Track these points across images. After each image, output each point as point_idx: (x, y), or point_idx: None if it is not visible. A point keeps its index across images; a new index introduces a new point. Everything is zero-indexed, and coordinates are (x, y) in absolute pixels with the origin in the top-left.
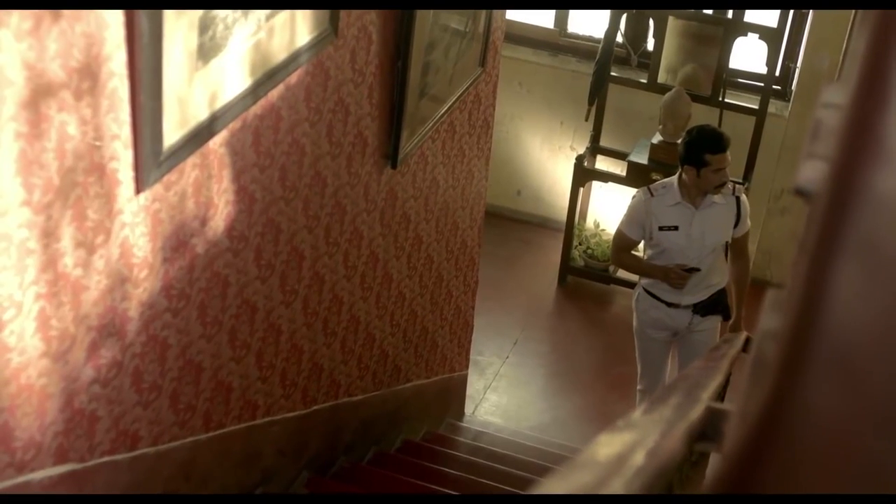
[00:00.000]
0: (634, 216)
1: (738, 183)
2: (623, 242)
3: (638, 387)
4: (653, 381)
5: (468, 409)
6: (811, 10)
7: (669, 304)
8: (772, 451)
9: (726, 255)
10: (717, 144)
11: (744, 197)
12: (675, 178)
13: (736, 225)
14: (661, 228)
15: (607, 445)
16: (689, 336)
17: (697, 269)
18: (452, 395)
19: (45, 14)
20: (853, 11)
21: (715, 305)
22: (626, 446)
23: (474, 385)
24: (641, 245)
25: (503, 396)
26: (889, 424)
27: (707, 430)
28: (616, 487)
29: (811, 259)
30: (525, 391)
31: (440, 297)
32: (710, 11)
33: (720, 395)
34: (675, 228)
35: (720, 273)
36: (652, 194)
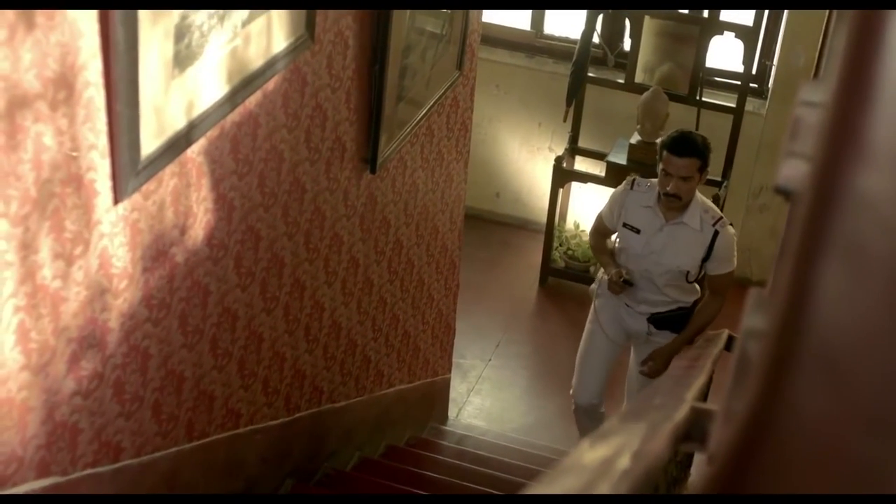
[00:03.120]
0: (612, 203)
1: (724, 217)
2: (598, 225)
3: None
4: (585, 388)
5: (452, 412)
6: (786, 10)
7: (627, 305)
8: (759, 453)
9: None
10: (674, 143)
11: (727, 234)
12: None
13: (707, 258)
14: (625, 225)
15: (593, 449)
16: (641, 346)
17: (631, 284)
18: (436, 399)
19: (19, 24)
20: (828, 9)
21: (671, 321)
22: (611, 449)
23: (457, 388)
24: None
25: (486, 399)
26: (876, 424)
27: (692, 431)
28: (603, 491)
29: (795, 259)
30: (508, 393)
31: (421, 301)
32: (685, 11)
33: (703, 395)
34: (637, 231)
35: (686, 294)
36: (633, 187)
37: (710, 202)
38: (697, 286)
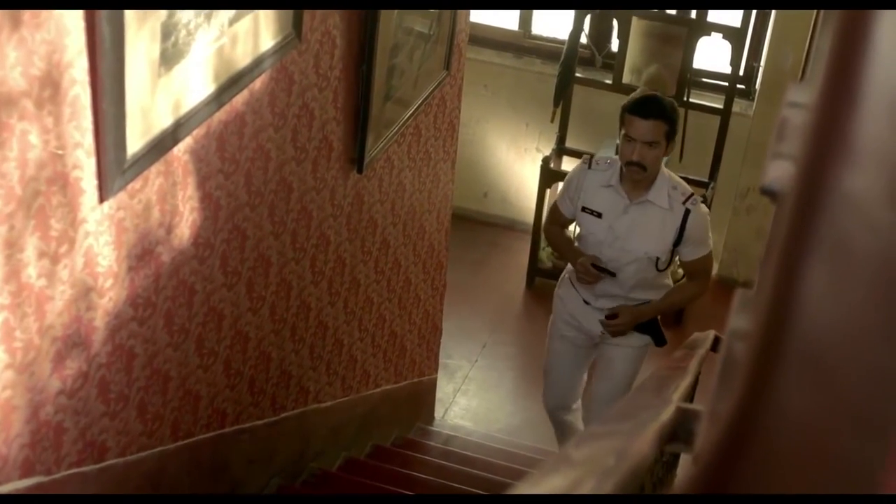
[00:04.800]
0: (567, 186)
1: (695, 194)
2: (553, 214)
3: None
4: (552, 394)
5: (438, 412)
6: (773, 10)
7: (585, 302)
8: (745, 452)
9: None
10: (638, 104)
11: (699, 212)
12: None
13: (679, 242)
14: (583, 209)
15: (579, 449)
16: (602, 348)
17: (612, 274)
18: (422, 400)
19: (4, 22)
20: (815, 10)
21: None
22: (597, 449)
23: (444, 389)
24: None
25: (473, 400)
26: (861, 423)
27: (678, 431)
28: (587, 490)
29: (781, 259)
30: (494, 394)
31: (408, 302)
32: (673, 12)
33: (690, 396)
34: (599, 216)
35: (656, 292)
36: (590, 166)
37: (678, 178)
38: (670, 281)
